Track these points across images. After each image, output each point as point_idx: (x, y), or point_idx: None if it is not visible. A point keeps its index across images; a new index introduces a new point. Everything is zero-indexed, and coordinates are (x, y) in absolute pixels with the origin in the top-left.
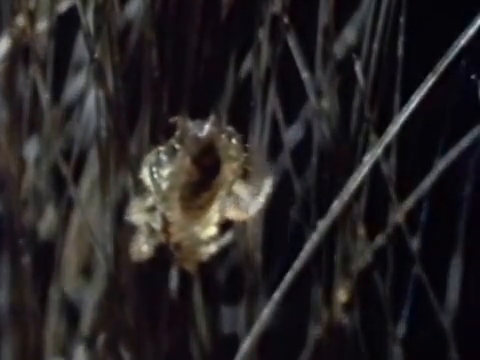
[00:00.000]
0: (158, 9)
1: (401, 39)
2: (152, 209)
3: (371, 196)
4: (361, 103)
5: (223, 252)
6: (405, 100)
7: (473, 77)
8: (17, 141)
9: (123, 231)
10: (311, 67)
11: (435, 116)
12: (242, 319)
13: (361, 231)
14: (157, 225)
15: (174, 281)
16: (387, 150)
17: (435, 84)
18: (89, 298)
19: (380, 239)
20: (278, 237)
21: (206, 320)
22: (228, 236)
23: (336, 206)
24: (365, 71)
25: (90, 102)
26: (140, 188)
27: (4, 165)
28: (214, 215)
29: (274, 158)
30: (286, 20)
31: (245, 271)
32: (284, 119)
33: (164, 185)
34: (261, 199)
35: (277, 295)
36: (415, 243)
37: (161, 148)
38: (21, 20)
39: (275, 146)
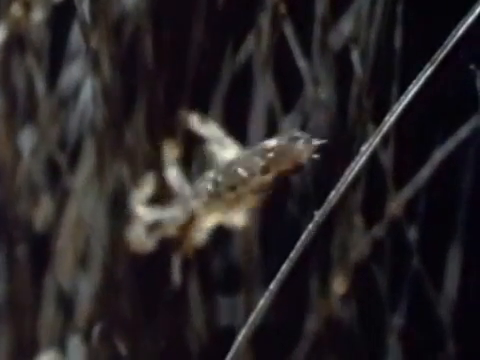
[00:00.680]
0: None
1: (399, 28)
2: (154, 201)
3: (368, 186)
4: (359, 92)
5: (220, 243)
6: (403, 90)
7: (471, 67)
8: (12, 131)
9: (119, 222)
10: (308, 56)
11: (433, 106)
12: (239, 310)
13: (358, 222)
14: (168, 218)
15: (170, 272)
16: (385, 140)
17: (433, 74)
18: (85, 289)
19: (378, 230)
20: (275, 228)
21: (203, 311)
22: None
23: (333, 196)
24: (362, 60)
25: (86, 92)
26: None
27: None
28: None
29: None
30: (283, 9)
31: (242, 262)
32: (281, 108)
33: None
34: None
35: (274, 286)
36: (413, 234)
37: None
38: (16, 9)
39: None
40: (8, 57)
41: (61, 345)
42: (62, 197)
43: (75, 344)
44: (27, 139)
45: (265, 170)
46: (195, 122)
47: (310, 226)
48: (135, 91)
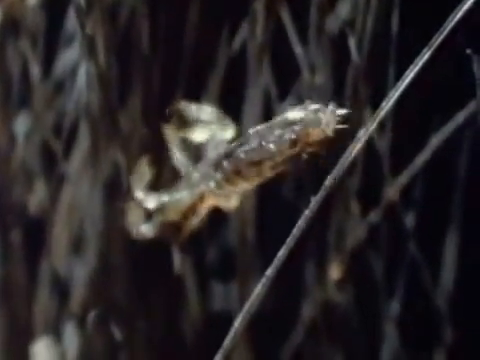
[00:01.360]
0: None
1: (395, 13)
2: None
3: (365, 172)
4: (355, 78)
5: (216, 228)
6: (399, 75)
7: (468, 52)
8: (7, 116)
9: (114, 207)
10: (305, 42)
11: (430, 91)
12: (235, 296)
13: (355, 208)
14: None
15: (166, 257)
16: (381, 126)
17: (430, 59)
18: (80, 275)
19: (374, 216)
20: (271, 213)
21: (198, 297)
22: None
23: (330, 182)
24: (359, 46)
25: (81, 77)
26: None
27: None
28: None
29: None
30: None
31: (238, 248)
32: (277, 94)
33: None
34: None
35: (270, 272)
36: (409, 220)
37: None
38: None
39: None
40: (3, 42)
41: (56, 331)
42: (57, 182)
43: (70, 330)
44: (22, 124)
45: (294, 143)
46: (190, 107)
47: (307, 212)
48: (130, 76)
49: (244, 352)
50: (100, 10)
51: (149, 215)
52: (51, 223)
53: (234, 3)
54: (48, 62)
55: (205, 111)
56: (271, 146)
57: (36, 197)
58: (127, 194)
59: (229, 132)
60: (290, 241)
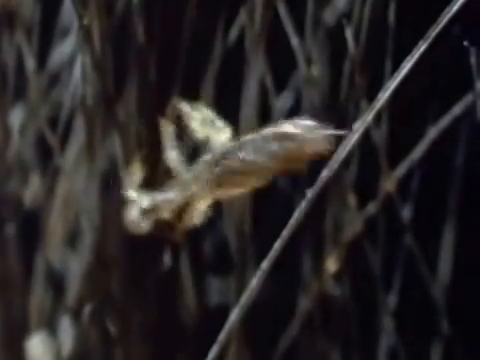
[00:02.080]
0: None
1: (392, 5)
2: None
3: (362, 164)
4: (352, 69)
5: (212, 221)
6: (396, 67)
7: (465, 43)
8: (2, 109)
9: (110, 200)
10: (301, 33)
11: (427, 83)
12: (231, 289)
13: (351, 200)
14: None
15: (161, 251)
16: (378, 117)
17: (426, 50)
18: (75, 268)
19: (371, 208)
20: (267, 205)
21: (194, 290)
22: None
23: (326, 174)
24: (356, 37)
25: (77, 69)
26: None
27: None
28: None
29: (264, 126)
30: None
31: (234, 240)
32: (274, 86)
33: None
34: None
35: (265, 264)
36: (406, 212)
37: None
38: None
39: (265, 114)
40: None
41: (51, 325)
42: (52, 175)
43: (65, 324)
44: (17, 117)
45: (279, 158)
46: (185, 107)
47: (303, 204)
48: (126, 67)
49: (241, 345)
50: (96, 1)
51: (145, 211)
52: (46, 216)
53: None
54: (43, 54)
55: (201, 112)
56: (266, 159)
57: (31, 190)
58: (123, 187)
59: (224, 134)
60: (286, 233)
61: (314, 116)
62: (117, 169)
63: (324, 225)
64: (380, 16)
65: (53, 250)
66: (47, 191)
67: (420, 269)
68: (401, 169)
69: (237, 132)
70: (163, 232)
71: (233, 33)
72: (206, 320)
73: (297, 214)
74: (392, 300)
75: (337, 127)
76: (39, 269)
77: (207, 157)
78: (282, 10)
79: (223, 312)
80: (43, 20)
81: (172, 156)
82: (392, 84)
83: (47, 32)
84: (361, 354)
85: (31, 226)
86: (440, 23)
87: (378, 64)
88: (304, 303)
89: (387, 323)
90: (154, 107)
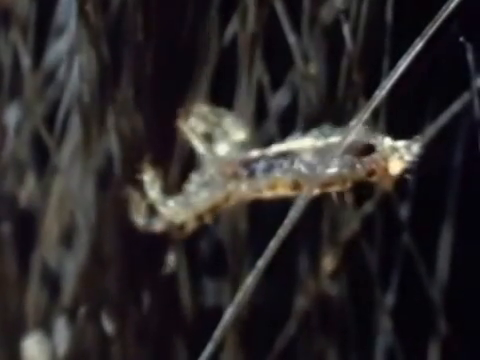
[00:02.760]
0: None
1: (390, 2)
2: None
3: None
4: (349, 67)
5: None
6: (394, 64)
7: (462, 40)
8: None
9: (106, 199)
10: (298, 30)
11: (424, 81)
12: (226, 288)
13: (349, 198)
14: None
15: (159, 251)
16: (375, 115)
17: (424, 48)
18: (71, 268)
19: (368, 206)
20: (263, 203)
21: (190, 290)
22: None
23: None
24: (353, 34)
25: (73, 67)
26: None
27: None
28: None
29: (260, 124)
30: None
31: (230, 239)
32: (270, 84)
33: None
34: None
35: (261, 263)
36: (404, 211)
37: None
38: None
39: (261, 112)
40: None
41: (47, 325)
42: (48, 173)
43: (61, 324)
44: (13, 115)
45: (372, 172)
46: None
47: (299, 202)
48: (122, 65)
49: (237, 344)
50: None
51: (152, 209)
52: (42, 215)
53: None
54: (39, 52)
55: (217, 112)
56: (344, 171)
57: (27, 189)
58: (119, 185)
59: (241, 134)
60: (282, 232)
61: (311, 114)
62: (113, 168)
63: (321, 224)
64: (378, 13)
65: (49, 249)
66: (43, 190)
67: (418, 268)
68: None
69: None
70: (172, 233)
71: (229, 30)
72: (201, 319)
73: (293, 213)
74: (389, 299)
75: (334, 124)
76: (35, 268)
77: (234, 155)
78: (279, 7)
79: (218, 311)
80: (39, 18)
81: (199, 150)
82: (389, 82)
83: (43, 30)
84: (358, 353)
85: (27, 225)
86: (437, 20)
87: (375, 61)
88: (301, 302)
89: (384, 322)
90: (150, 105)
